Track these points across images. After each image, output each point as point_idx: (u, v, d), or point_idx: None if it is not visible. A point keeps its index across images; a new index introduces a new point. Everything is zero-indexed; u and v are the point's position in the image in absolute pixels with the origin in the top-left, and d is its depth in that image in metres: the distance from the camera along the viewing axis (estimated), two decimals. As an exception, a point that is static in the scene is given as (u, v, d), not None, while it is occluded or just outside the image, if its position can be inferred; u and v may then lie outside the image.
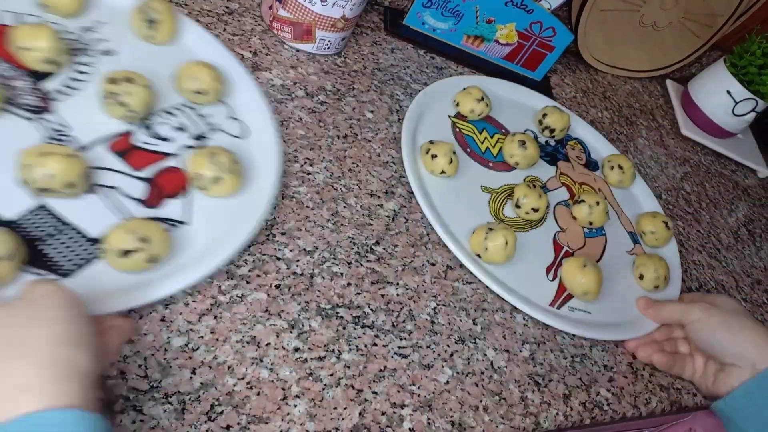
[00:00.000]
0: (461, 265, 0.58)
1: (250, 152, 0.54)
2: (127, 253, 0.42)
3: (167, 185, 0.49)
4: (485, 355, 0.53)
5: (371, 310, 0.51)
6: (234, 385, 0.42)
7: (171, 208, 0.48)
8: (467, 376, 0.51)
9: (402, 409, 0.46)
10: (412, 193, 0.60)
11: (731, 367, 0.57)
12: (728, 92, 0.94)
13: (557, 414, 0.52)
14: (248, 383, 0.42)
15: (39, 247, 0.42)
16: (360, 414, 0.45)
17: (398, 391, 0.47)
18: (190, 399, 0.40)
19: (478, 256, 0.58)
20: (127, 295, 0.42)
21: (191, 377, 0.41)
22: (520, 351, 0.55)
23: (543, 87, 0.86)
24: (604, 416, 0.55)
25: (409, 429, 0.46)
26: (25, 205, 0.43)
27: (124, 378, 0.39)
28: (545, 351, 0.56)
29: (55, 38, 0.49)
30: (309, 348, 0.46)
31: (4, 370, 0.30)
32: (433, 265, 0.57)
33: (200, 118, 0.55)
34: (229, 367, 0.42)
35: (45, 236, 0.43)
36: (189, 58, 0.56)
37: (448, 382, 0.50)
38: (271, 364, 0.44)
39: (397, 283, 0.54)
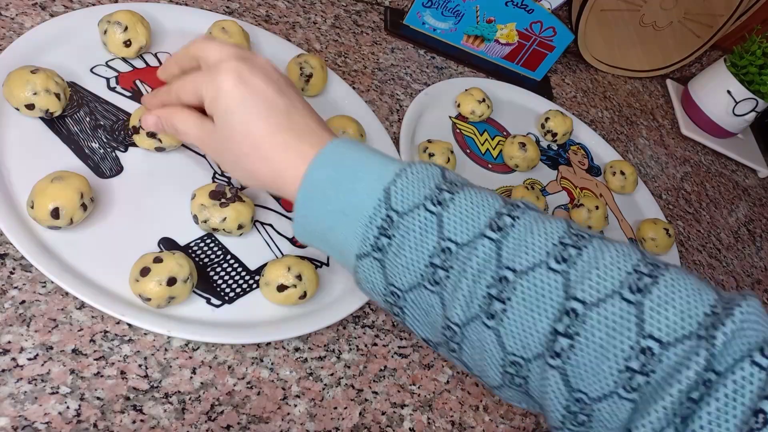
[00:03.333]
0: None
1: None
2: (283, 288, 0.45)
3: None
4: (485, 355, 0.53)
5: (371, 309, 0.51)
6: (234, 385, 0.42)
7: (316, 250, 0.51)
8: (467, 375, 0.51)
9: (402, 408, 0.46)
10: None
11: None
12: (728, 92, 0.94)
13: (557, 414, 0.52)
14: (248, 383, 0.42)
15: (209, 272, 0.46)
16: (360, 414, 0.45)
17: (398, 391, 0.47)
18: (190, 399, 0.40)
19: None
20: (276, 328, 0.45)
21: (191, 377, 0.41)
22: (520, 351, 0.55)
23: (543, 87, 0.86)
24: (604, 416, 0.55)
25: (410, 429, 0.46)
26: (196, 232, 0.47)
27: (124, 378, 0.39)
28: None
29: None
30: (309, 348, 0.46)
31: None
32: (433, 265, 0.57)
33: None
34: (229, 367, 0.42)
35: (212, 263, 0.46)
36: (334, 111, 0.62)
37: (448, 381, 0.50)
38: (272, 363, 0.44)
39: (397, 283, 0.54)
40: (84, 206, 0.42)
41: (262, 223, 0.50)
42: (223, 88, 0.38)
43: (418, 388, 0.48)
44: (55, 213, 0.40)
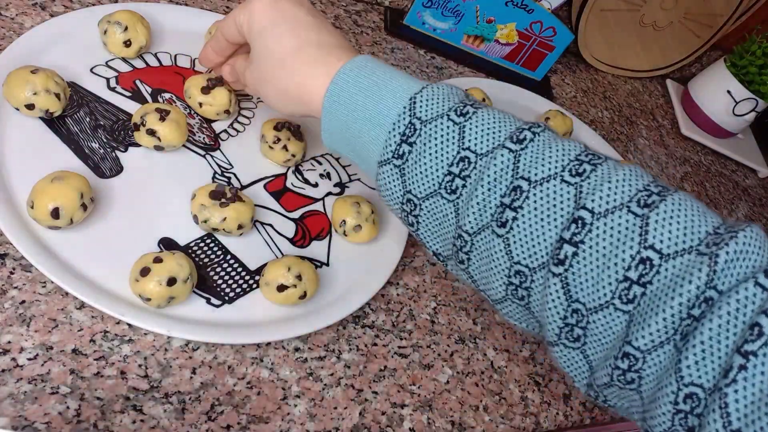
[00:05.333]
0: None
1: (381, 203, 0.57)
2: (283, 288, 0.44)
3: (313, 228, 0.52)
4: (485, 354, 0.53)
5: (371, 309, 0.51)
6: (234, 385, 0.42)
7: (316, 249, 0.51)
8: (467, 375, 0.51)
9: (402, 408, 0.46)
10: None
11: None
12: (728, 92, 0.94)
13: (557, 414, 0.52)
14: (248, 383, 0.42)
15: (209, 272, 0.46)
16: (360, 414, 0.45)
17: (398, 391, 0.47)
18: (190, 399, 0.40)
19: None
20: (276, 328, 0.45)
21: (191, 377, 0.41)
22: (520, 351, 0.55)
23: (543, 87, 0.86)
24: (604, 416, 0.55)
25: (409, 429, 0.46)
26: (196, 232, 0.47)
27: (124, 378, 0.39)
28: (545, 350, 0.56)
29: (230, 95, 0.53)
30: (309, 348, 0.46)
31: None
32: (434, 264, 0.57)
33: (341, 167, 0.58)
34: (229, 367, 0.42)
35: (212, 263, 0.46)
36: None
37: (448, 381, 0.50)
38: (272, 363, 0.44)
39: (398, 283, 0.54)
40: (84, 206, 0.42)
41: (262, 223, 0.50)
42: (255, 10, 0.41)
43: (418, 388, 0.48)
44: (55, 213, 0.40)
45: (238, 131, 0.55)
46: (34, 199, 0.40)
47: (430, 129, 0.36)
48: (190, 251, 0.46)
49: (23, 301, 0.39)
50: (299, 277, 0.45)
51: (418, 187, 0.36)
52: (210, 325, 0.43)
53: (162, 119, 0.47)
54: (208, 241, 0.47)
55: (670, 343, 0.29)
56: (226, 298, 0.45)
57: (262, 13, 0.41)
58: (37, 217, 0.40)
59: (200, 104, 0.53)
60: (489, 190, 0.34)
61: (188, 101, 0.54)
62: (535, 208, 0.33)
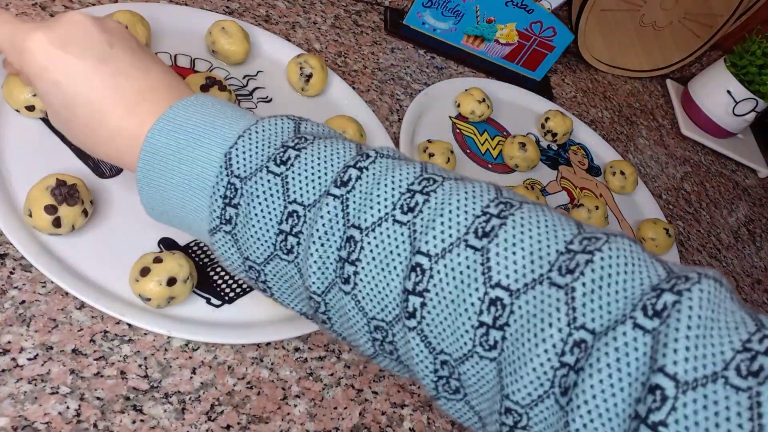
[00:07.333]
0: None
1: None
2: None
3: None
4: (485, 355, 0.53)
5: (371, 310, 0.51)
6: (234, 385, 0.42)
7: None
8: (467, 376, 0.51)
9: (402, 408, 0.46)
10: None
11: None
12: (728, 92, 0.94)
13: (557, 414, 0.52)
14: (248, 383, 0.42)
15: (209, 272, 0.46)
16: (360, 414, 0.45)
17: (398, 391, 0.47)
18: (190, 399, 0.40)
19: None
20: (276, 328, 0.45)
21: (191, 377, 0.41)
22: (520, 351, 0.55)
23: (543, 87, 0.86)
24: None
25: (409, 429, 0.46)
26: None
27: (124, 378, 0.39)
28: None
29: (230, 96, 0.53)
30: (309, 348, 0.46)
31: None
32: (433, 265, 0.57)
33: None
34: (229, 367, 0.42)
35: (212, 263, 0.46)
36: (334, 111, 0.62)
37: (448, 382, 0.50)
38: (272, 363, 0.44)
39: (397, 283, 0.54)
40: (85, 212, 0.41)
41: None
42: (33, 64, 0.34)
43: (418, 388, 0.48)
44: (57, 222, 0.40)
45: None
46: (31, 208, 0.40)
47: (251, 186, 0.31)
48: (190, 251, 0.46)
49: (23, 301, 0.39)
50: None
51: (255, 251, 0.32)
52: (210, 325, 0.43)
53: None
54: None
55: (550, 397, 0.25)
56: (226, 298, 0.45)
57: (44, 72, 0.34)
58: (38, 226, 0.40)
59: None
60: (323, 245, 0.30)
61: None
62: (373, 258, 0.29)
